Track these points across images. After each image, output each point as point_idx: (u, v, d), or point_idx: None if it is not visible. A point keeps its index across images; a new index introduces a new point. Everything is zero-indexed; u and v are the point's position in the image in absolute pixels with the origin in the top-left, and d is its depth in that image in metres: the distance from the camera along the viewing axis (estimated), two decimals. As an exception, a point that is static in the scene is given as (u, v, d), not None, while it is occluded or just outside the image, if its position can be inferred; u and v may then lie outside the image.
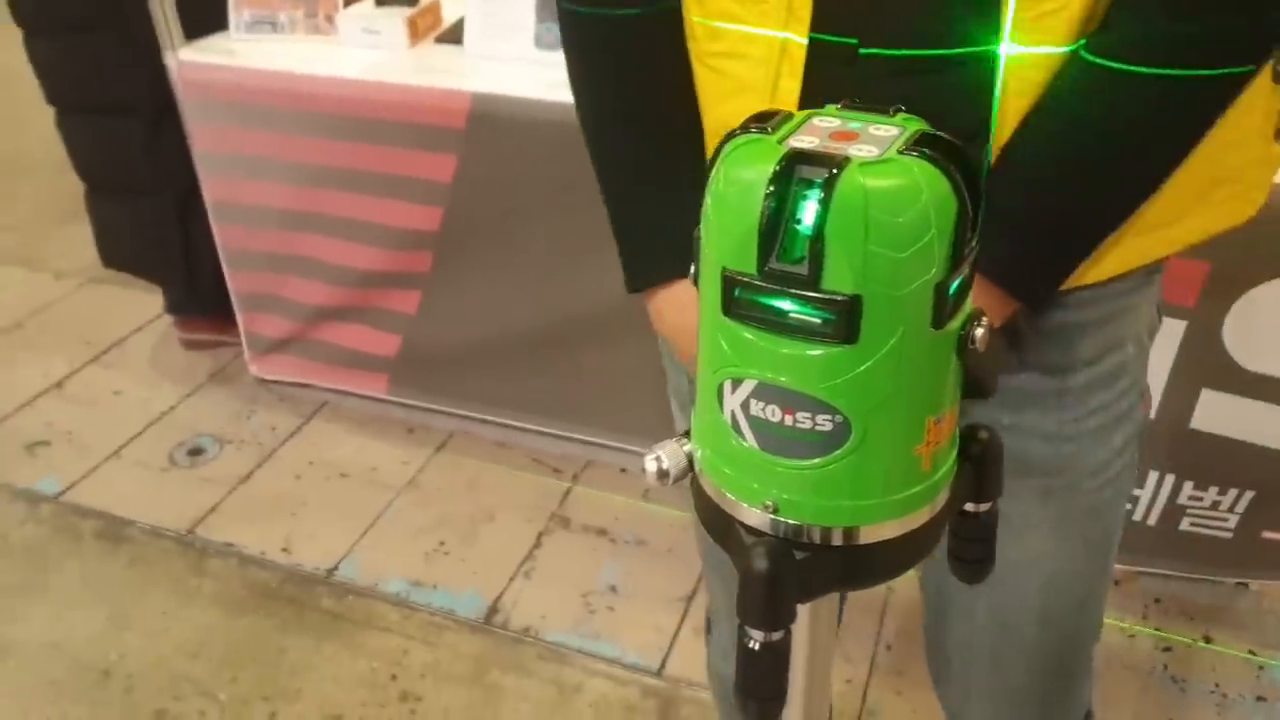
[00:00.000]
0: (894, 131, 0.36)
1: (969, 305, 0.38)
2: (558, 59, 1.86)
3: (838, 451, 0.37)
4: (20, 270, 2.84)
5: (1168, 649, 1.67)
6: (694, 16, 0.66)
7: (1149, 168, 0.61)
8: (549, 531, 1.94)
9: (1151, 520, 1.67)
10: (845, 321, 0.34)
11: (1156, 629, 1.70)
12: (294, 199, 1.94)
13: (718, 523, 0.42)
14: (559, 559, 1.87)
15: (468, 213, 1.82)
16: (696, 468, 0.43)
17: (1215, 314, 1.46)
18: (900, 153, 0.35)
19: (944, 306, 0.35)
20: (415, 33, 1.86)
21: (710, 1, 0.65)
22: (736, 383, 0.38)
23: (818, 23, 0.62)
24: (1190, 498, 1.65)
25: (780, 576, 0.38)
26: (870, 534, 0.39)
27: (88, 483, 2.07)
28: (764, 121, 0.37)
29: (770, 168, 0.34)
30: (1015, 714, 0.87)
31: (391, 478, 2.07)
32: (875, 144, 0.35)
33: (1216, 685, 1.61)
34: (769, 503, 0.39)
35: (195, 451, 2.15)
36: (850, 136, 0.36)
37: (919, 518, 0.40)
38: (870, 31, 0.61)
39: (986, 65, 0.60)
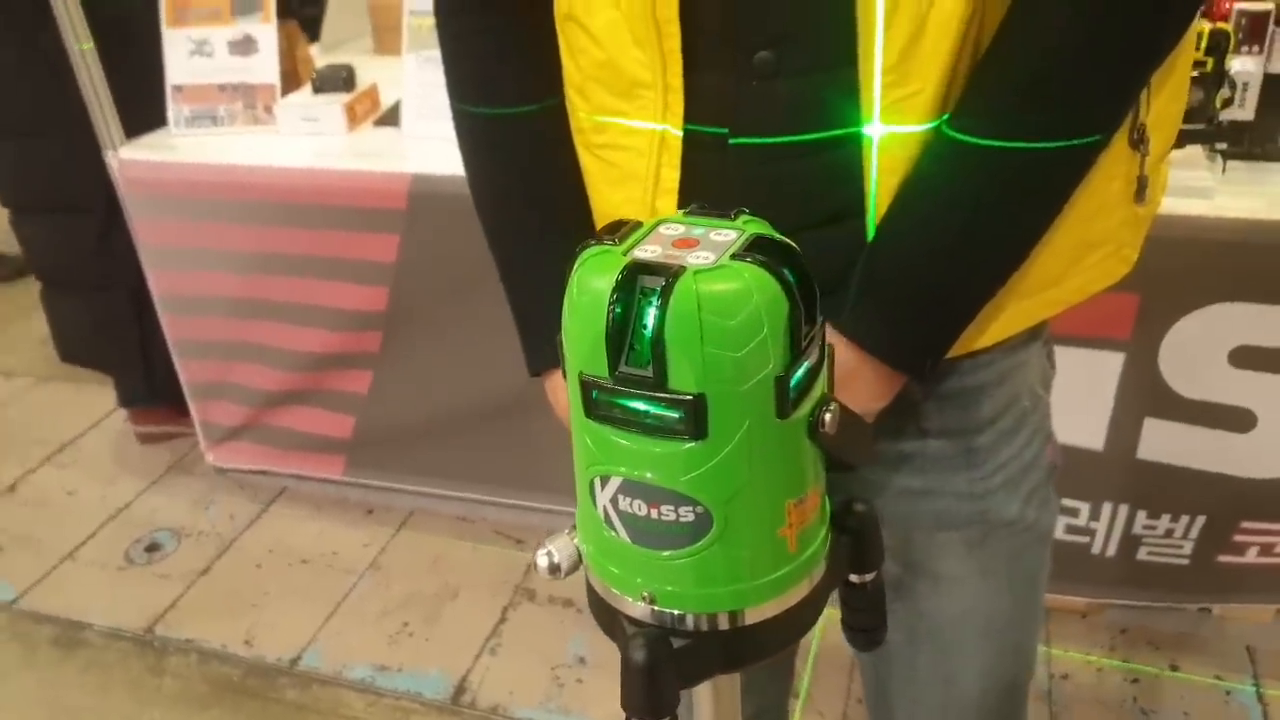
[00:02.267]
0: (731, 236, 0.38)
1: (817, 391, 0.40)
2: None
3: (702, 541, 0.39)
4: (-32, 373, 2.82)
5: (1135, 680, 1.68)
6: (580, 111, 0.69)
7: (1014, 238, 0.63)
8: (514, 605, 1.93)
9: (1110, 552, 1.69)
10: (693, 419, 0.36)
11: (1124, 660, 1.72)
12: (240, 287, 1.95)
13: (604, 615, 0.43)
14: (526, 633, 1.86)
15: (413, 290, 1.84)
16: (586, 567, 0.44)
17: (1149, 345, 1.49)
18: (733, 258, 0.37)
19: (786, 398, 0.37)
20: (354, 118, 1.89)
21: (593, 97, 0.68)
22: (605, 479, 0.39)
23: (691, 114, 0.65)
24: (1145, 527, 1.67)
25: (659, 666, 0.40)
26: (745, 617, 0.40)
27: (42, 587, 2.04)
28: (614, 232, 0.39)
29: (614, 277, 0.36)
30: None
31: (353, 561, 2.06)
32: (713, 250, 0.37)
33: (1185, 714, 1.62)
34: (646, 594, 0.40)
35: (152, 548, 2.13)
36: (691, 244, 0.38)
37: (792, 596, 0.41)
38: (739, 121, 0.64)
39: (855, 146, 0.62)
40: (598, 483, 0.39)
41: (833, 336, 0.64)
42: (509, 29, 0.72)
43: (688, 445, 0.37)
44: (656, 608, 0.40)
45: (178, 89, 1.91)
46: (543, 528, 2.07)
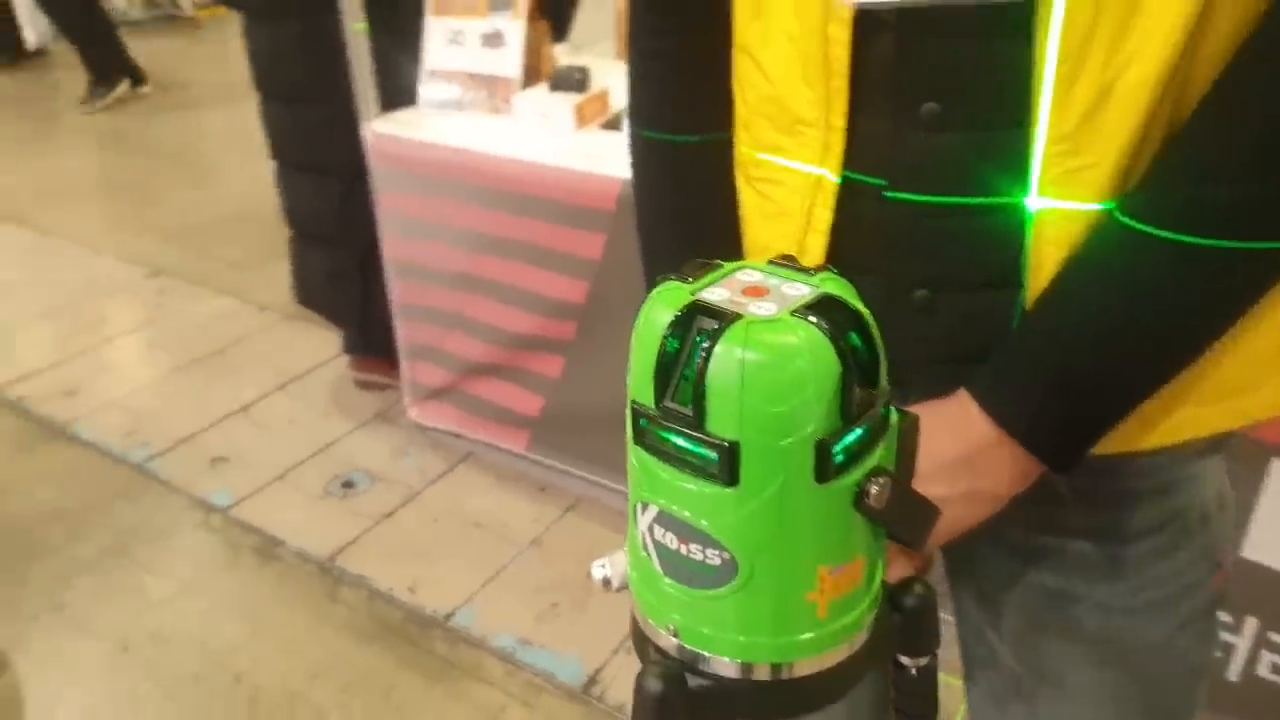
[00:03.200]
0: (803, 291, 0.38)
1: (871, 460, 0.39)
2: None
3: (726, 587, 0.39)
4: (233, 301, 3.16)
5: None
6: (743, 144, 0.70)
7: (1186, 337, 0.58)
8: (660, 606, 1.95)
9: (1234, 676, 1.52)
10: (726, 464, 0.36)
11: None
12: (460, 262, 2.09)
13: (638, 639, 0.44)
14: (665, 636, 1.88)
15: (611, 288, 1.90)
16: (632, 588, 0.45)
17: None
18: (792, 313, 0.37)
19: (828, 462, 0.37)
20: (582, 118, 1.97)
21: (757, 130, 0.68)
22: (645, 506, 0.40)
23: (850, 160, 0.64)
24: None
25: (669, 701, 0.40)
26: (763, 672, 0.40)
27: (253, 500, 2.27)
28: (695, 270, 0.40)
29: (674, 313, 0.37)
30: None
31: (519, 533, 2.15)
32: (778, 302, 0.37)
33: None
34: (671, 626, 0.41)
35: (348, 484, 2.32)
36: (760, 292, 0.38)
37: (815, 664, 0.40)
38: (897, 175, 0.62)
39: (1014, 216, 0.60)
40: (640, 508, 0.41)
41: (969, 408, 0.62)
42: (689, 60, 0.73)
43: (720, 489, 0.37)
44: (679, 642, 0.41)
45: (431, 73, 2.07)
46: (701, 538, 2.08)
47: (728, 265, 0.41)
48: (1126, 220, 0.56)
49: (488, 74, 2.02)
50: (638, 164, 0.78)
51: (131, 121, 4.93)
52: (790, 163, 0.66)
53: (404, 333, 2.30)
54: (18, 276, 3.37)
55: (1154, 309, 0.57)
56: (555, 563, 2.07)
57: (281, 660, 1.85)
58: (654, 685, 0.40)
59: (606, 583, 0.45)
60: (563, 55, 2.26)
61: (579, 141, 1.95)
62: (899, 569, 0.66)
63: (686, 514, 0.38)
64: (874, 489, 0.38)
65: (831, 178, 0.64)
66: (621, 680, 1.79)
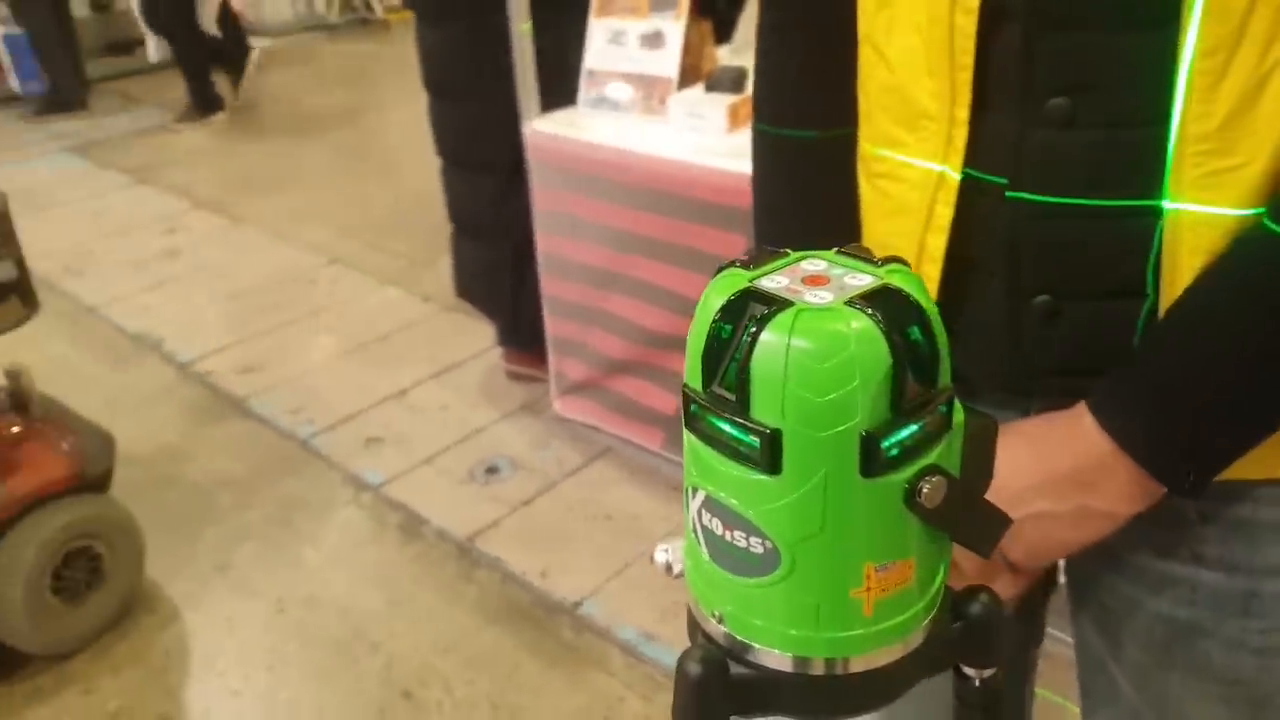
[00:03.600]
0: (864, 281, 0.37)
1: (927, 458, 0.37)
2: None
3: (769, 576, 0.38)
4: (398, 291, 3.33)
5: None
6: (864, 140, 0.69)
7: None
8: (786, 615, 1.93)
9: None
10: (769, 452, 0.36)
11: None
12: (607, 259, 2.13)
13: (691, 625, 0.44)
14: (789, 645, 1.86)
15: (755, 291, 1.90)
16: (692, 568, 0.45)
17: None
18: (847, 303, 0.36)
19: (875, 457, 0.36)
20: (735, 119, 1.97)
21: (878, 124, 0.67)
22: (695, 491, 0.40)
23: (972, 157, 0.61)
24: None
25: (709, 687, 0.40)
26: (805, 666, 0.40)
27: (402, 480, 2.38)
28: (760, 257, 0.40)
29: (726, 299, 0.37)
30: None
31: (650, 529, 2.17)
32: (837, 292, 0.37)
33: None
34: (717, 613, 0.41)
35: (491, 470, 2.40)
36: (820, 281, 0.38)
37: (861, 663, 0.39)
38: (1019, 174, 0.60)
39: (1145, 221, 0.56)
40: (690, 492, 0.41)
41: (1084, 421, 0.58)
42: (810, 55, 0.72)
43: (763, 477, 0.37)
44: (725, 629, 0.41)
45: (590, 73, 2.12)
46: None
47: (794, 254, 0.40)
48: (1277, 228, 0.52)
49: (646, 74, 2.05)
50: (757, 159, 0.78)
51: (325, 118, 5.26)
52: (910, 159, 0.65)
53: (552, 327, 2.36)
54: (212, 259, 3.66)
55: None
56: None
57: (415, 633, 1.93)
58: (694, 669, 0.40)
59: (669, 568, 0.46)
60: (725, 56, 2.27)
61: (730, 142, 1.95)
62: (1003, 585, 0.63)
63: (732, 501, 0.38)
64: (926, 488, 0.37)
65: (953, 175, 0.62)
66: (740, 685, 1.78)
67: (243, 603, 2.03)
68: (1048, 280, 0.61)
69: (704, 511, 0.40)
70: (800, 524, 0.37)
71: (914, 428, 0.37)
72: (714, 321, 0.37)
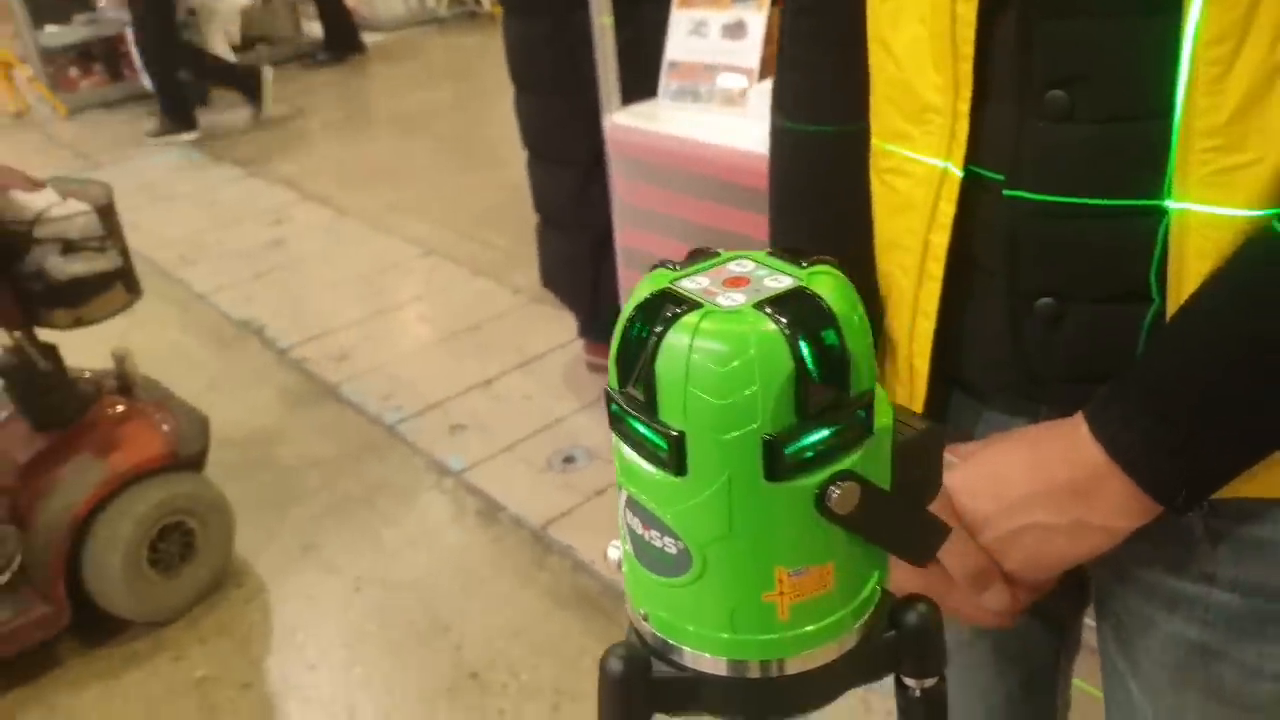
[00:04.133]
0: (783, 284, 0.37)
1: (839, 464, 0.37)
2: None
3: (683, 577, 0.38)
4: (489, 282, 3.40)
5: None
6: (874, 138, 0.68)
7: None
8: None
9: None
10: (675, 453, 0.36)
11: None
12: (683, 253, 2.13)
13: (630, 623, 0.44)
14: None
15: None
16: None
17: None
18: (755, 305, 0.36)
19: (778, 461, 0.35)
20: (813, 111, 1.94)
21: (885, 119, 0.66)
22: (621, 490, 0.41)
23: (974, 152, 0.60)
24: None
25: (631, 685, 0.40)
26: (723, 666, 0.39)
27: (483, 467, 2.44)
28: (691, 257, 0.40)
29: (642, 299, 0.37)
30: None
31: (721, 524, 2.17)
32: (751, 294, 0.36)
33: None
34: (643, 611, 0.41)
35: (568, 460, 2.43)
36: (740, 283, 0.37)
37: (778, 667, 0.39)
38: (1017, 171, 0.58)
39: (1147, 221, 0.53)
40: (620, 492, 0.41)
41: (1080, 431, 0.56)
42: (825, 50, 0.71)
43: (671, 478, 0.37)
44: (651, 628, 0.41)
45: (672, 65, 2.11)
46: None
47: (725, 255, 0.40)
48: None
49: (726, 64, 2.04)
50: (774, 154, 0.77)
51: (432, 111, 5.40)
52: (916, 154, 0.63)
53: (629, 319, 2.38)
54: (315, 250, 3.81)
55: None
56: (752, 558, 2.07)
57: (486, 616, 1.98)
58: (615, 665, 0.41)
59: (619, 565, 0.46)
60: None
61: (803, 136, 1.92)
62: (996, 596, 0.61)
63: (648, 501, 0.38)
64: (837, 493, 0.36)
65: (955, 171, 0.61)
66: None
67: (325, 580, 2.12)
68: (1050, 282, 0.59)
69: (628, 511, 0.40)
70: (708, 525, 0.37)
71: (824, 433, 0.36)
72: (628, 321, 0.37)
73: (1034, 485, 0.58)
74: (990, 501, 0.60)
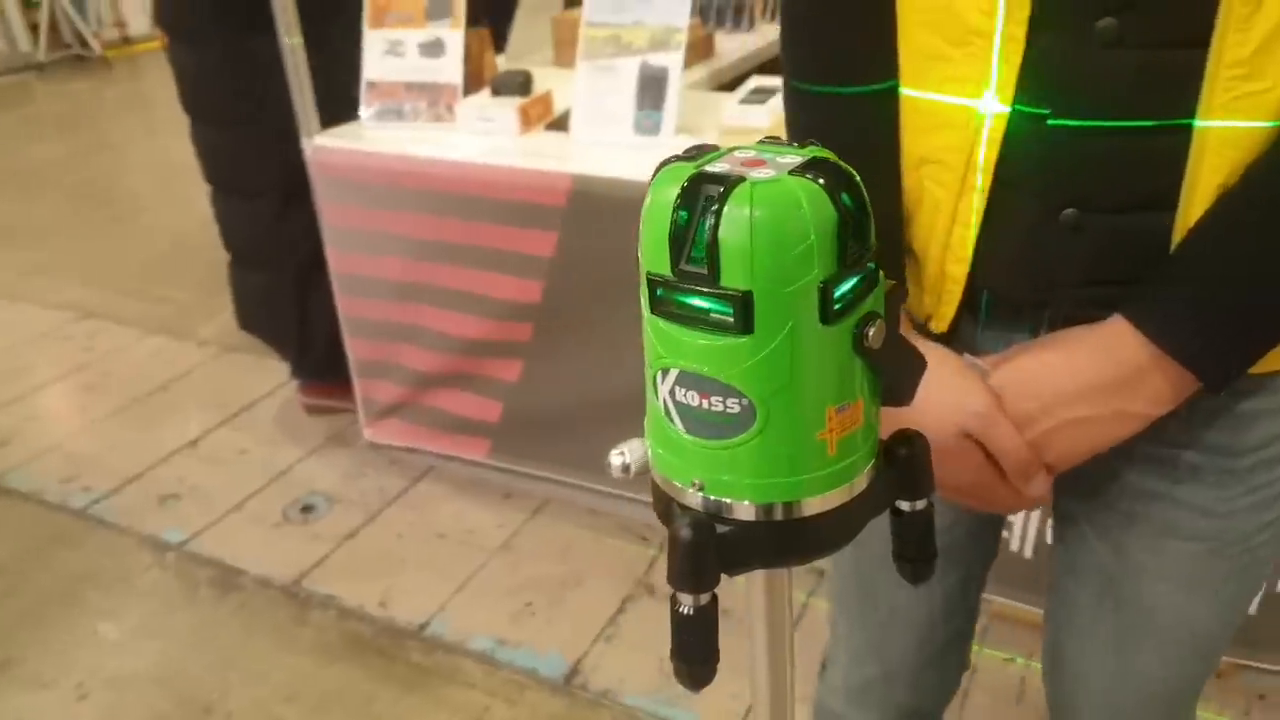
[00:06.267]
0: (796, 160, 0.42)
1: (866, 306, 0.43)
2: (654, 144, 1.96)
3: (746, 433, 0.42)
4: (167, 338, 3.12)
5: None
6: (902, 61, 0.69)
7: None
8: (634, 598, 1.97)
9: (1253, 610, 1.59)
10: (741, 314, 0.40)
11: None
12: (409, 271, 2.10)
13: (662, 505, 0.47)
14: (642, 625, 1.91)
15: (566, 286, 1.94)
16: (650, 464, 0.48)
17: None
18: (790, 174, 0.41)
19: (829, 305, 0.40)
20: (527, 121, 2.01)
21: (917, 47, 0.67)
22: (665, 372, 0.43)
23: (1017, 84, 0.63)
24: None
25: (702, 545, 0.43)
26: (782, 511, 0.44)
27: (209, 534, 2.23)
28: (693, 152, 0.44)
29: (681, 185, 0.41)
30: None
31: (486, 540, 2.16)
32: (775, 169, 0.41)
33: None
34: (697, 482, 0.44)
35: (307, 508, 2.30)
36: (758, 163, 0.42)
37: (831, 499, 0.44)
38: (1066, 99, 0.62)
39: (1179, 138, 0.59)
40: (660, 376, 0.44)
41: (1123, 331, 0.64)
42: (850, 9, 0.71)
43: (736, 339, 0.40)
44: (705, 495, 0.44)
45: (371, 85, 2.09)
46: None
47: (724, 148, 0.44)
48: None
49: (429, 82, 2.04)
50: (792, 119, 0.77)
51: (53, 165, 4.82)
52: (949, 97, 0.66)
53: (355, 350, 2.30)
54: (-59, 331, 3.28)
55: None
56: (526, 565, 2.08)
57: (252, 686, 1.82)
58: (686, 533, 0.43)
59: (625, 468, 0.48)
60: (502, 64, 2.30)
61: (523, 143, 1.98)
62: (1040, 485, 0.69)
63: (705, 369, 0.42)
64: (871, 331, 0.42)
65: (995, 105, 0.64)
66: (604, 668, 1.81)
67: (35, 698, 1.83)
68: (1076, 195, 0.64)
69: (678, 388, 0.43)
70: (772, 377, 0.41)
71: (856, 279, 0.42)
72: (673, 208, 0.40)
73: (1075, 383, 0.65)
74: (1034, 400, 0.67)
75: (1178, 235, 0.63)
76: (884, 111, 0.71)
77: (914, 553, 0.50)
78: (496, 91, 2.05)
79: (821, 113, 0.74)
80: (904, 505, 0.49)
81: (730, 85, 2.35)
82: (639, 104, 1.92)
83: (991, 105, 0.64)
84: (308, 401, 2.62)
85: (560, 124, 2.05)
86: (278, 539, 2.21)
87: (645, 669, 1.80)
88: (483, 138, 2.01)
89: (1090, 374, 0.65)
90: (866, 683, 0.98)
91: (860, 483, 0.45)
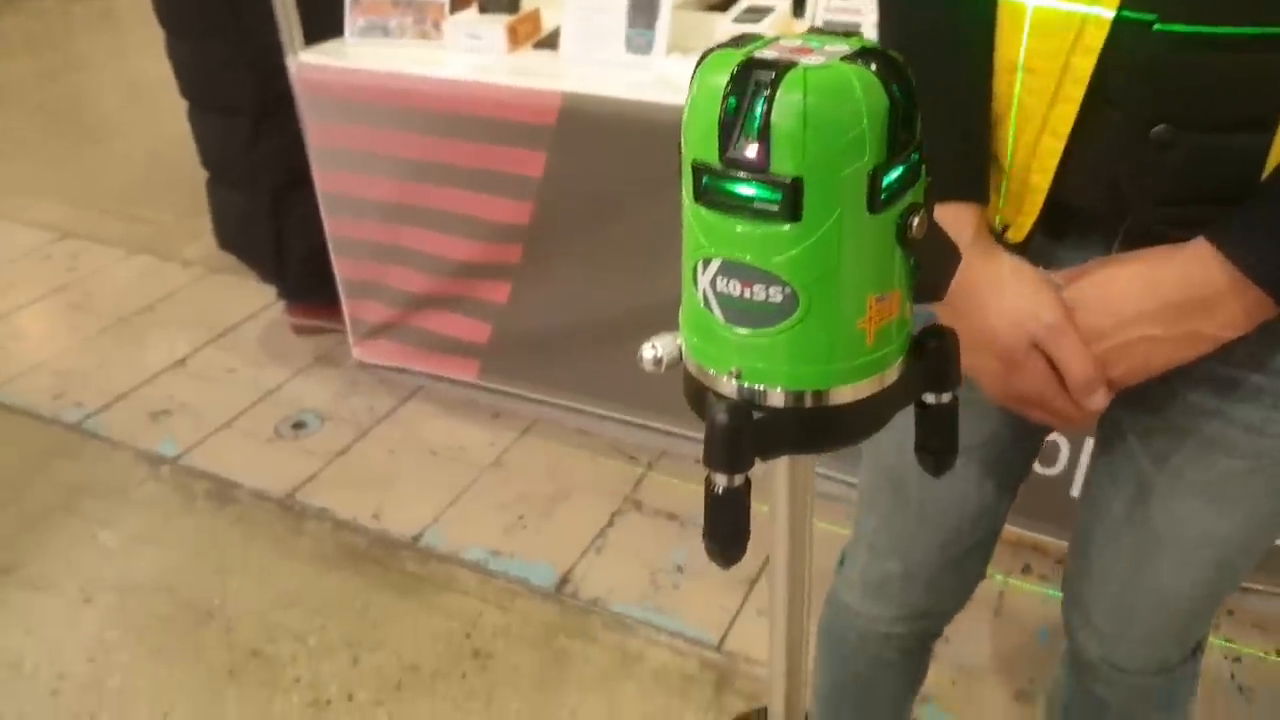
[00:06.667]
0: (844, 49, 0.43)
1: (909, 198, 0.44)
2: (646, 62, 1.93)
3: (788, 321, 0.44)
4: (152, 258, 3.08)
5: (1237, 659, 1.64)
6: None
7: None
8: (622, 513, 2.01)
9: None
10: (790, 201, 0.41)
11: (1227, 640, 1.68)
12: (397, 192, 2.08)
13: (695, 395, 0.49)
14: (630, 538, 1.95)
15: (556, 206, 1.93)
16: (683, 355, 0.50)
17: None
18: (841, 60, 0.41)
19: (878, 193, 0.42)
20: (515, 39, 1.98)
21: None
22: (706, 262, 0.45)
23: None
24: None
25: (739, 430, 0.45)
26: (819, 398, 0.45)
27: (202, 448, 2.25)
28: (736, 42, 0.44)
29: (731, 71, 0.41)
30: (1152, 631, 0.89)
31: (477, 457, 2.19)
32: (825, 56, 0.42)
33: (1287, 697, 1.58)
34: (734, 369, 0.46)
35: (298, 425, 2.31)
36: (806, 51, 0.43)
37: (864, 389, 0.46)
38: (1169, 6, 0.60)
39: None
40: (700, 266, 0.45)
41: (1206, 254, 0.64)
42: None
43: (783, 227, 0.42)
44: (741, 382, 0.46)
45: (355, 1, 2.04)
46: (657, 447, 2.15)
47: (770, 36, 0.45)
48: None
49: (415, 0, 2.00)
50: (888, 21, 0.76)
51: (18, 83, 4.70)
52: (1050, 1, 0.65)
53: (343, 270, 2.29)
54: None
55: None
56: (516, 481, 2.11)
57: (251, 593, 1.86)
58: (723, 418, 0.45)
59: (658, 361, 0.50)
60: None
61: (511, 61, 1.96)
62: (1101, 399, 0.70)
63: (749, 257, 0.43)
64: (915, 221, 0.43)
65: (1100, 10, 0.62)
66: (592, 578, 1.86)
67: (38, 600, 1.86)
68: (1169, 111, 0.63)
69: (719, 278, 0.44)
70: (817, 264, 0.42)
71: (902, 169, 0.43)
72: (723, 95, 0.41)
73: (1150, 302, 0.66)
74: (1108, 316, 0.67)
75: (1272, 160, 0.62)
76: (981, 13, 0.69)
77: (937, 444, 0.52)
78: (484, 8, 2.01)
79: (921, 9, 0.73)
80: (930, 398, 0.51)
81: (723, 5, 2.31)
82: (631, 22, 1.90)
83: (1097, 10, 0.63)
84: (295, 322, 2.62)
85: (549, 42, 2.02)
86: (270, 454, 2.22)
87: (633, 579, 1.85)
88: (470, 55, 1.98)
89: (1167, 293, 0.65)
90: (885, 578, 0.99)
91: (891, 374, 0.47)
